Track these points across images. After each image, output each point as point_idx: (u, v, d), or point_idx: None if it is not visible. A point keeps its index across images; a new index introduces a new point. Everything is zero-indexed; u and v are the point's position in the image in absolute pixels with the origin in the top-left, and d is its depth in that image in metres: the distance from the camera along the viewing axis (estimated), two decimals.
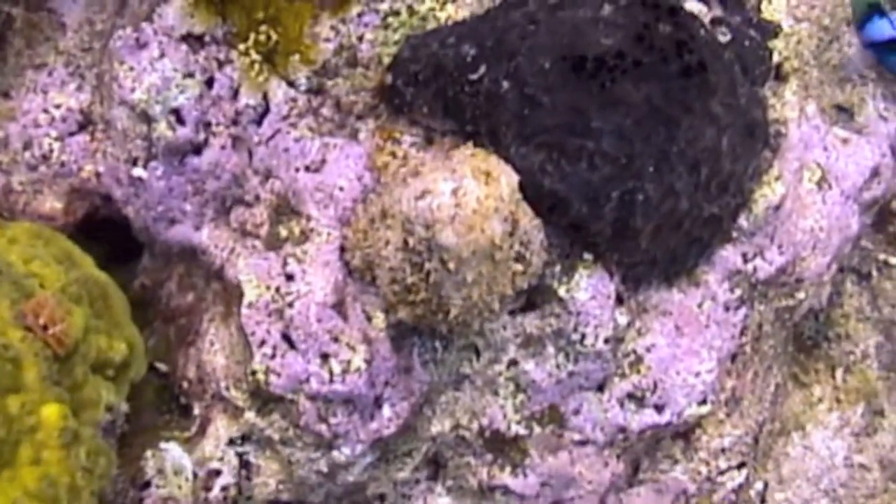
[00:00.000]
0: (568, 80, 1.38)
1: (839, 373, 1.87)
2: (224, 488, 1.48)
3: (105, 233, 1.62)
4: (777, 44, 1.59)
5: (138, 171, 1.49)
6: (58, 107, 1.55)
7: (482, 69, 1.38)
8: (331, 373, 1.43)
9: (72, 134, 1.55)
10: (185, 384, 1.54)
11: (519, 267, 1.40)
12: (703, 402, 1.59)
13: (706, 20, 1.53)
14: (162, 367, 1.58)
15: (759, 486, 1.79)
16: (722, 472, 1.68)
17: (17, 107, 1.54)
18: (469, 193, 1.33)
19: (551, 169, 1.39)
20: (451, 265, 1.34)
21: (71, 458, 1.25)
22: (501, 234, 1.34)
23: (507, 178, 1.36)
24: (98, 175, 1.54)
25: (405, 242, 1.36)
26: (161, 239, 1.54)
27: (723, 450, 1.67)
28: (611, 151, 1.38)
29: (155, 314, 1.65)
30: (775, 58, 1.60)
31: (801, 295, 1.66)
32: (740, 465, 1.70)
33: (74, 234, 1.56)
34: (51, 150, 1.55)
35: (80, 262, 1.49)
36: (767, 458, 1.81)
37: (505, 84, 1.38)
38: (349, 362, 1.43)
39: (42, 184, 1.55)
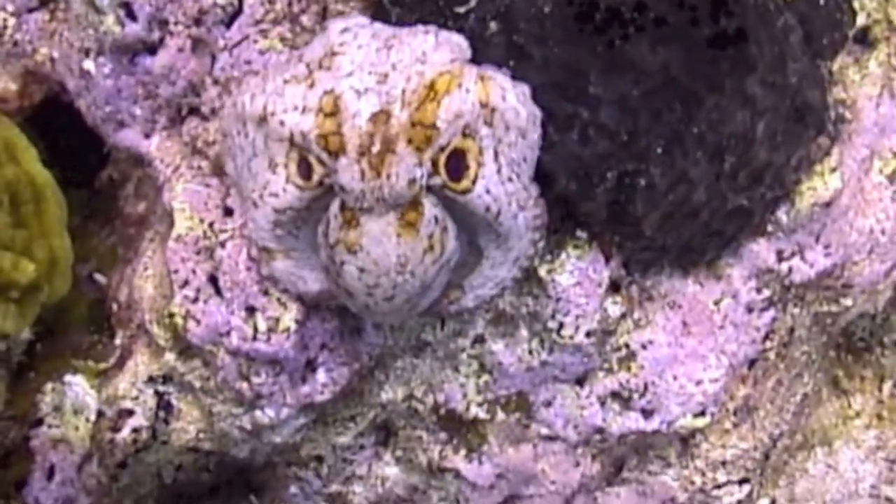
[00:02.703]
0: (569, 32, 1.17)
1: (887, 386, 1.69)
2: (135, 430, 1.35)
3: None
4: (866, 2, 1.38)
5: (88, 64, 1.34)
6: None
7: (472, 1, 1.16)
8: (255, 329, 1.28)
9: (31, 10, 1.42)
10: (115, 306, 1.40)
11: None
12: (702, 413, 1.44)
13: None
14: (101, 279, 1.44)
15: (763, 503, 1.59)
16: (719, 486, 1.53)
17: None
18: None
19: None
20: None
21: None
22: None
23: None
24: (52, 60, 1.39)
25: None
26: (110, 142, 1.39)
27: (723, 462, 1.53)
28: (609, 124, 1.20)
29: (117, 213, 1.51)
30: (861, 20, 1.40)
31: (847, 302, 1.50)
32: (742, 481, 1.55)
33: (31, 119, 1.46)
34: (4, 27, 1.40)
35: (21, 156, 1.40)
36: (780, 474, 1.60)
37: (493, 25, 1.19)
38: (277, 320, 1.27)
39: None
